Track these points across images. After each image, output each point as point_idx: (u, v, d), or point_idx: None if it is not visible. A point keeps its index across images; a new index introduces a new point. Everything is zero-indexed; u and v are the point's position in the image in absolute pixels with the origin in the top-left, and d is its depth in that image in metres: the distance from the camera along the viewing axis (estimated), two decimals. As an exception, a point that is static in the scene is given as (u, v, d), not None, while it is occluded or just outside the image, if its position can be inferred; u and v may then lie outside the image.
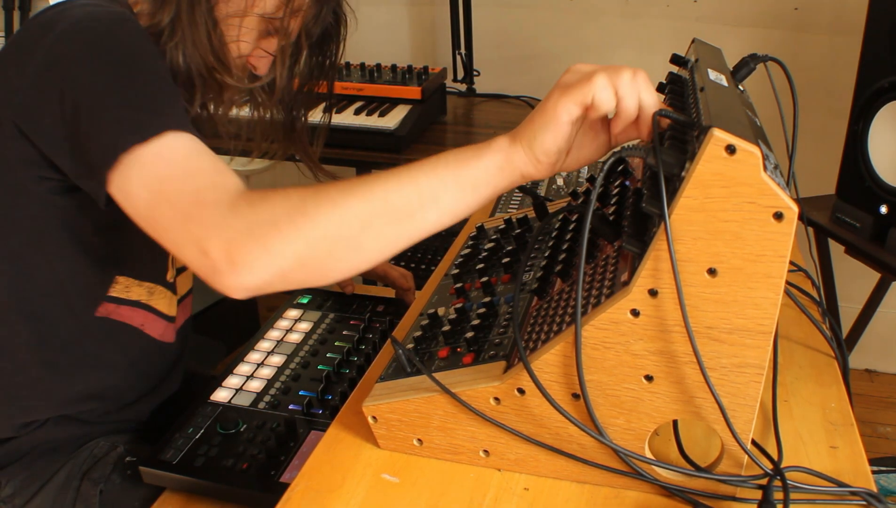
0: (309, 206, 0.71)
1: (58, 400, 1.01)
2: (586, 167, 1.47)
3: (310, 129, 1.20)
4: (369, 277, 1.44)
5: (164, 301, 1.06)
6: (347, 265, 0.73)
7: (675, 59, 0.88)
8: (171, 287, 1.07)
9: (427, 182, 0.73)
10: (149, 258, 1.02)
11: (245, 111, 1.14)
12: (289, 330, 1.21)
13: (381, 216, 0.72)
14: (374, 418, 0.78)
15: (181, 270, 1.10)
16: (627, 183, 0.87)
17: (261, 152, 1.18)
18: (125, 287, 1.01)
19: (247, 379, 1.10)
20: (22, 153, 0.87)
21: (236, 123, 1.12)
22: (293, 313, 1.26)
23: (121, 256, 0.99)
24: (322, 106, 1.22)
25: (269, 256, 0.70)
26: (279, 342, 1.18)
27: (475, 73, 2.25)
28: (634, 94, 0.71)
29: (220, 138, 1.10)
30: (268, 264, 0.70)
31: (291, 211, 0.71)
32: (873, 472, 0.77)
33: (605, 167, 0.70)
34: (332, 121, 1.83)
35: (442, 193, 0.73)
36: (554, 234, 0.91)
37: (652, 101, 0.72)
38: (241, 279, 0.70)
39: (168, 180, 0.75)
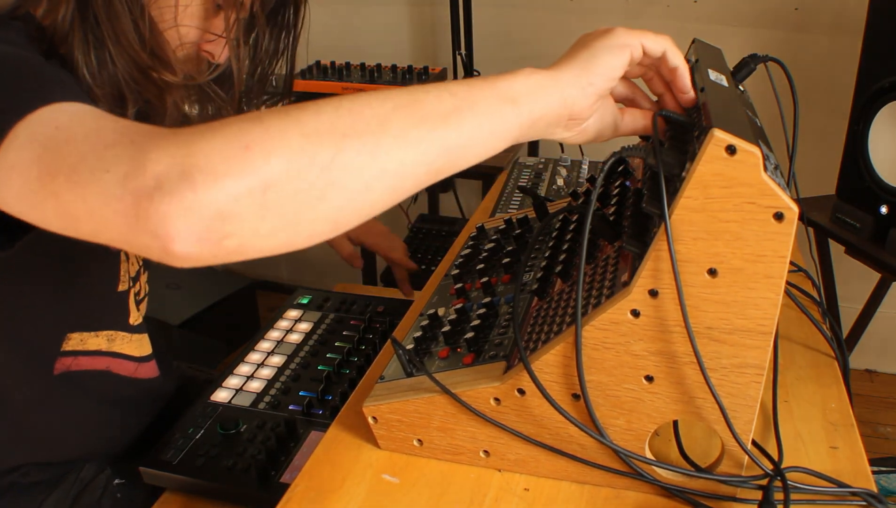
0: (308, 106, 0.51)
1: (27, 451, 0.96)
2: (586, 167, 1.47)
3: None
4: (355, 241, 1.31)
5: (130, 345, 0.99)
6: (357, 184, 0.51)
7: (676, 60, 0.87)
8: (137, 329, 0.99)
9: (461, 89, 0.58)
10: (101, 308, 0.92)
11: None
12: (289, 330, 1.21)
13: (405, 112, 0.53)
14: (374, 418, 0.78)
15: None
16: (627, 183, 0.87)
17: None
18: (80, 341, 0.92)
19: (247, 379, 1.10)
20: None
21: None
22: (293, 313, 1.26)
23: (66, 313, 0.89)
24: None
25: (249, 153, 0.47)
26: (279, 342, 1.18)
27: (475, 73, 2.25)
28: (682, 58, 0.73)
29: None
30: (245, 167, 0.47)
31: (283, 111, 0.51)
32: (873, 472, 0.77)
33: (606, 167, 0.70)
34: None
35: (479, 99, 0.59)
36: (554, 234, 0.91)
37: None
38: (197, 198, 0.46)
39: (65, 129, 0.54)
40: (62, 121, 0.54)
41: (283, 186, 0.47)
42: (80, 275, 0.79)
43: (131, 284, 0.96)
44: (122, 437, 1.05)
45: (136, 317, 1.00)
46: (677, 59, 0.72)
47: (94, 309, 0.86)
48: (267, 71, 0.93)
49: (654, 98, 0.79)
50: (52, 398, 0.94)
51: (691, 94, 0.73)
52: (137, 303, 1.00)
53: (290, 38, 0.93)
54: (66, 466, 0.99)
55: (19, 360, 0.89)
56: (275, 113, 0.50)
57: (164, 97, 0.79)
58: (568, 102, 0.66)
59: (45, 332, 0.90)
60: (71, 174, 0.50)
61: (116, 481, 1.00)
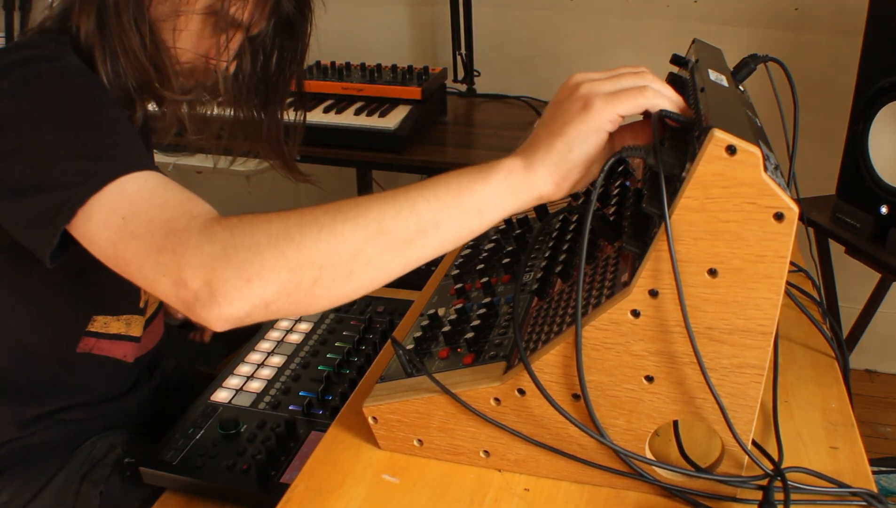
0: (293, 230, 0.65)
1: (34, 419, 1.00)
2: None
3: (285, 128, 1.08)
4: None
5: (138, 326, 1.07)
6: (336, 295, 0.67)
7: (676, 60, 0.87)
8: (143, 311, 1.06)
9: (427, 207, 0.66)
10: (123, 293, 1.01)
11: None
12: (289, 331, 1.21)
13: (374, 243, 0.66)
14: (374, 418, 0.78)
15: None
16: (627, 183, 0.87)
17: (240, 152, 1.11)
18: (103, 324, 1.01)
19: (247, 380, 1.10)
20: None
21: (203, 120, 1.03)
22: (293, 313, 1.26)
23: (94, 297, 0.98)
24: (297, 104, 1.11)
25: (249, 282, 0.64)
26: (279, 342, 1.18)
27: (475, 73, 2.25)
28: (668, 88, 0.71)
29: (186, 139, 1.02)
30: (249, 293, 0.64)
31: (274, 235, 0.65)
32: (873, 472, 0.77)
33: (606, 167, 0.70)
34: (333, 121, 1.85)
35: (443, 219, 0.67)
36: (554, 234, 0.91)
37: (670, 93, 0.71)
38: (221, 310, 0.65)
39: (132, 217, 0.69)
40: (126, 211, 0.70)
41: (279, 302, 0.66)
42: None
43: None
44: (126, 401, 1.09)
45: (144, 299, 1.06)
46: (660, 102, 0.69)
47: (116, 294, 0.97)
48: (269, 84, 1.03)
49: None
50: (70, 373, 1.01)
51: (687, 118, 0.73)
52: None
53: (296, 57, 1.02)
54: (76, 426, 1.03)
55: (48, 329, 0.97)
56: (271, 242, 0.65)
57: (162, 104, 0.90)
58: (543, 196, 0.69)
59: (72, 310, 0.97)
60: (140, 269, 0.69)
61: (127, 460, 1.02)
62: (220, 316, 0.65)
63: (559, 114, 0.69)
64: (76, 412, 1.03)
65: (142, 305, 1.05)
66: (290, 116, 1.09)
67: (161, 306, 1.13)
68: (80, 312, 0.98)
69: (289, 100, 1.08)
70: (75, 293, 0.96)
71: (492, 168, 0.68)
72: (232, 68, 0.92)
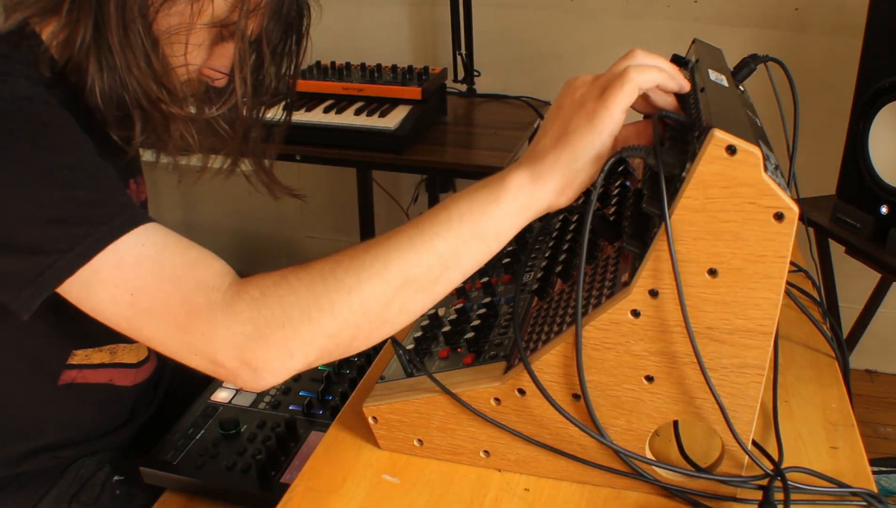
0: (322, 299, 0.66)
1: (24, 457, 0.96)
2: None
3: (264, 131, 0.99)
4: None
5: (130, 353, 0.99)
6: (374, 341, 0.70)
7: (676, 60, 0.87)
8: (130, 339, 0.97)
9: (445, 245, 0.67)
10: (103, 326, 0.91)
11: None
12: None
13: (403, 292, 0.67)
14: (374, 418, 0.78)
15: None
16: (628, 183, 0.87)
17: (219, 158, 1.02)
18: (85, 356, 0.93)
19: (247, 380, 1.09)
20: None
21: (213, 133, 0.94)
22: (293, 313, 1.26)
23: (72, 332, 0.90)
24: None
25: (292, 357, 0.67)
26: (279, 342, 1.18)
27: (475, 73, 2.25)
28: (659, 58, 0.70)
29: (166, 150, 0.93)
30: (291, 364, 0.67)
31: (304, 307, 0.66)
32: (874, 472, 0.77)
33: (606, 167, 0.70)
34: (333, 121, 1.85)
35: (464, 251, 0.68)
36: (554, 234, 0.91)
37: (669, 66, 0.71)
38: (265, 381, 0.67)
39: (142, 293, 0.67)
40: (133, 285, 0.67)
41: (321, 360, 0.69)
42: None
43: None
44: (123, 434, 1.05)
45: None
46: (663, 65, 0.70)
47: (95, 327, 0.85)
48: (267, 95, 0.95)
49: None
50: (53, 407, 0.95)
51: (687, 86, 0.72)
52: None
53: (292, 67, 0.95)
54: (66, 461, 0.99)
55: (25, 368, 0.91)
56: (304, 316, 0.66)
57: (168, 126, 0.83)
58: (552, 206, 0.70)
59: (51, 348, 0.91)
60: (165, 347, 0.68)
61: (116, 478, 1.00)
62: (266, 385, 0.68)
63: (563, 122, 0.69)
64: (70, 449, 0.98)
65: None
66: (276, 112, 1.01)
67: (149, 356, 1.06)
68: (58, 349, 0.91)
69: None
70: (52, 332, 0.88)
71: (501, 187, 0.68)
72: (246, 80, 0.86)
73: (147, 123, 0.81)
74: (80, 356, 0.93)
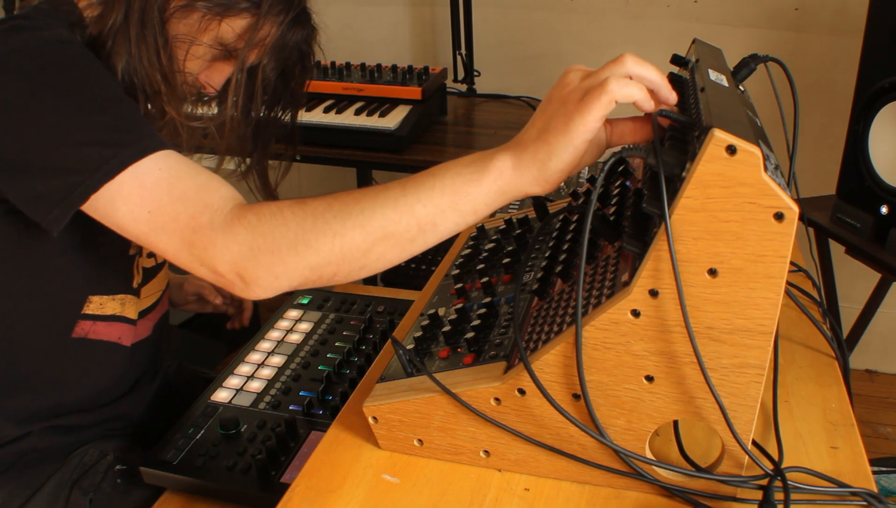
0: (309, 236, 0.74)
1: (31, 416, 0.99)
2: (587, 167, 1.47)
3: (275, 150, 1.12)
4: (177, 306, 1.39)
5: (132, 307, 1.04)
6: (353, 277, 0.77)
7: (676, 60, 0.88)
8: (136, 292, 1.04)
9: (424, 212, 0.73)
10: (118, 272, 1.00)
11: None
12: (289, 331, 1.21)
13: (381, 245, 0.74)
14: (374, 418, 0.78)
15: (148, 274, 1.06)
16: (628, 183, 0.87)
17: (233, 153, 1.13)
18: (99, 305, 0.99)
19: (247, 380, 1.10)
20: None
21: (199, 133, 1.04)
22: (293, 313, 1.26)
23: (91, 275, 0.96)
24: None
25: (277, 279, 0.75)
26: (279, 342, 1.18)
27: (475, 73, 2.25)
28: (648, 68, 0.71)
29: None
30: (277, 285, 0.76)
31: (292, 240, 0.74)
32: (874, 472, 0.77)
33: (606, 168, 0.70)
34: (333, 121, 1.85)
35: (440, 219, 0.73)
36: (554, 234, 0.91)
37: (658, 77, 0.72)
38: (256, 294, 0.76)
39: (158, 212, 0.77)
40: (151, 204, 0.76)
41: (305, 286, 0.77)
42: (100, 235, 0.85)
43: (139, 250, 1.02)
44: (125, 407, 1.07)
45: (137, 280, 1.04)
46: (651, 76, 0.71)
47: (111, 271, 0.97)
48: (270, 118, 1.07)
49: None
50: (65, 361, 0.99)
51: (673, 98, 0.73)
52: (138, 267, 1.04)
53: (291, 100, 1.07)
54: (72, 434, 1.02)
55: (44, 312, 0.96)
56: (291, 247, 0.74)
57: (164, 117, 0.92)
58: (529, 194, 0.73)
59: (68, 290, 0.96)
60: (176, 258, 0.78)
61: (118, 467, 1.01)
62: (257, 297, 0.77)
63: (547, 117, 0.71)
64: (72, 417, 1.01)
65: (135, 285, 1.03)
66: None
67: (160, 300, 1.11)
68: (75, 292, 0.97)
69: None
70: (71, 272, 0.95)
71: (485, 169, 0.72)
72: (237, 103, 0.97)
73: (146, 105, 0.90)
74: (94, 305, 0.98)
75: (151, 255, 1.05)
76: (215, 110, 1.03)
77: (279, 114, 1.08)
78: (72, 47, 0.83)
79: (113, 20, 0.86)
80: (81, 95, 0.79)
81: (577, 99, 0.69)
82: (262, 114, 1.06)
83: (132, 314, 1.04)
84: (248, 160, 1.12)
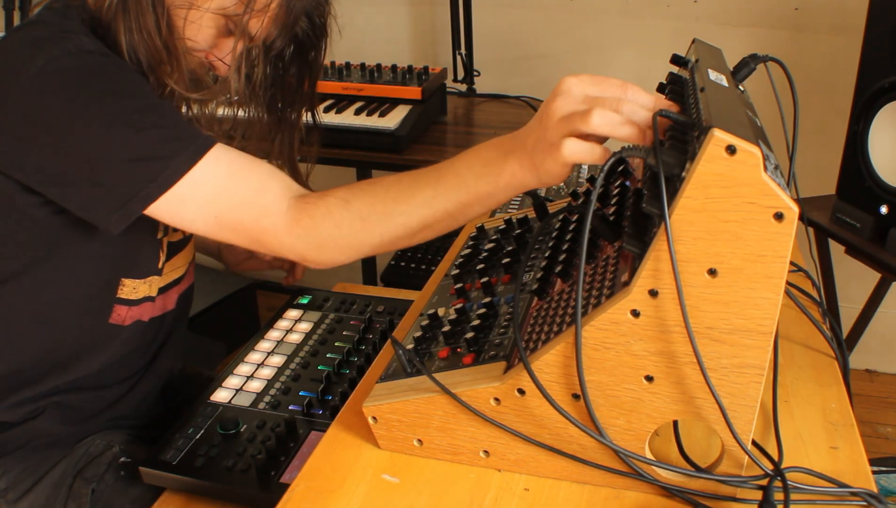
0: (361, 235, 0.87)
1: (55, 387, 1.01)
2: (586, 168, 1.47)
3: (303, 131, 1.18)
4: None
5: (155, 286, 1.06)
6: (399, 247, 0.90)
7: (676, 60, 0.88)
8: (160, 271, 1.06)
9: (454, 207, 0.83)
10: (148, 254, 1.03)
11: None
12: (289, 330, 1.21)
13: (420, 234, 0.87)
14: (374, 418, 0.78)
15: (172, 249, 1.08)
16: (628, 183, 0.87)
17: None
18: (132, 289, 1.02)
19: (247, 380, 1.10)
20: (9, 186, 0.88)
21: (212, 120, 1.07)
22: (293, 313, 1.26)
23: (124, 260, 0.99)
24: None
25: (334, 261, 0.90)
26: (279, 342, 1.18)
27: (475, 73, 2.25)
28: (636, 105, 0.71)
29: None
30: (338, 260, 0.90)
31: (346, 241, 0.87)
32: (873, 472, 0.77)
33: (606, 168, 0.70)
34: (333, 121, 1.85)
35: (469, 210, 0.84)
36: (554, 234, 0.91)
37: (651, 104, 0.72)
38: (323, 264, 0.90)
39: (220, 216, 0.86)
40: (216, 209, 0.86)
41: (361, 255, 0.91)
42: (133, 223, 0.87)
43: (164, 232, 1.04)
44: (136, 399, 1.09)
45: (162, 259, 1.06)
46: (604, 129, 0.72)
47: (141, 255, 1.02)
48: (291, 97, 1.12)
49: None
50: (100, 341, 1.02)
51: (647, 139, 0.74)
52: (164, 246, 1.06)
53: (309, 76, 1.11)
54: (82, 419, 1.03)
55: (82, 297, 0.99)
56: (346, 238, 0.87)
57: (170, 94, 0.92)
58: (536, 187, 0.79)
59: (101, 273, 0.99)
60: (246, 249, 0.92)
61: (122, 459, 1.02)
62: (319, 266, 0.91)
63: (540, 133, 0.75)
64: (79, 394, 1.03)
65: (160, 265, 1.05)
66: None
67: (185, 274, 1.12)
68: (110, 276, 0.99)
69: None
70: (106, 257, 0.97)
71: (500, 171, 0.79)
72: (225, 70, 0.95)
73: (157, 85, 0.91)
74: (128, 288, 1.02)
75: (177, 230, 1.07)
76: (240, 114, 1.06)
77: (297, 100, 1.13)
78: (97, 56, 0.85)
79: (104, 1, 0.87)
80: (121, 104, 0.83)
81: (554, 139, 0.73)
82: (286, 88, 1.10)
83: (153, 292, 1.06)
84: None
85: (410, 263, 2.08)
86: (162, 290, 1.07)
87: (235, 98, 1.02)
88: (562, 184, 1.41)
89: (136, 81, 0.86)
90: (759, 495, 0.70)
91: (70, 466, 1.01)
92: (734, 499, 0.72)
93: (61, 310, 0.98)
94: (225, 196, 0.86)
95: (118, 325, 1.02)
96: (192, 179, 0.83)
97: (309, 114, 1.19)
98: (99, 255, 0.96)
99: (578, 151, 0.72)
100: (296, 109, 1.15)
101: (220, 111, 1.06)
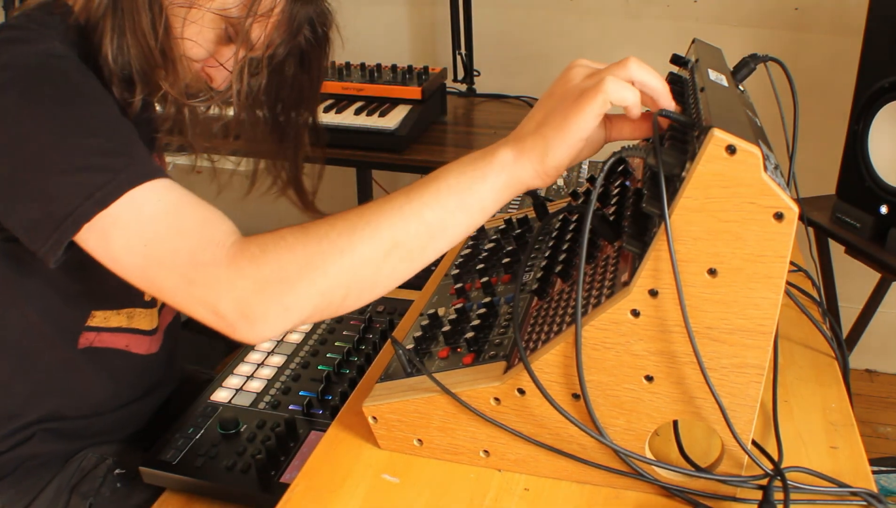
0: (316, 258, 0.70)
1: (39, 416, 0.98)
2: (586, 167, 1.47)
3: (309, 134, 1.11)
4: None
5: (145, 320, 1.02)
6: (364, 300, 0.74)
7: (676, 60, 0.88)
8: (150, 304, 1.02)
9: (433, 215, 0.71)
10: (122, 288, 0.95)
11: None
12: (288, 330, 1.21)
13: (391, 256, 0.71)
14: (374, 418, 0.78)
15: None
16: (627, 183, 0.87)
17: (244, 154, 1.11)
18: (103, 318, 0.97)
19: (247, 379, 1.10)
20: None
21: (206, 124, 1.00)
22: (293, 313, 1.26)
23: (93, 292, 0.94)
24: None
25: (287, 311, 0.71)
26: (279, 342, 1.18)
27: (475, 73, 2.25)
28: (651, 74, 0.71)
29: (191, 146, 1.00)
30: (285, 318, 0.71)
31: (300, 265, 0.70)
32: (873, 472, 0.77)
33: (606, 167, 0.70)
34: (333, 121, 1.85)
35: (450, 221, 0.72)
36: (554, 234, 0.91)
37: (661, 84, 0.72)
38: (259, 333, 0.71)
39: (154, 242, 0.72)
40: (148, 235, 0.72)
41: (313, 317, 0.74)
42: None
43: None
44: (131, 420, 1.07)
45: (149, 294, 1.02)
46: (654, 82, 0.71)
47: (116, 287, 0.92)
48: (286, 117, 1.06)
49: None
50: (72, 370, 0.98)
51: (673, 108, 0.73)
52: None
53: (311, 86, 1.05)
54: (72, 440, 1.01)
55: (47, 327, 0.94)
56: (300, 273, 0.70)
57: (164, 104, 0.89)
58: (531, 187, 0.73)
59: (71, 306, 0.94)
60: (173, 297, 0.73)
61: (117, 471, 1.01)
62: (260, 336, 0.72)
63: (546, 111, 0.72)
64: (78, 422, 1.00)
65: (147, 298, 1.01)
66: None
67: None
68: (78, 308, 0.95)
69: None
70: (74, 290, 0.93)
71: (488, 164, 0.72)
72: (222, 79, 0.92)
73: (144, 90, 0.86)
74: (98, 318, 0.96)
75: None
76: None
77: (299, 106, 1.07)
78: (66, 61, 0.79)
79: (94, 2, 0.82)
80: (75, 114, 0.76)
81: (575, 98, 0.69)
82: (278, 107, 1.05)
83: (146, 325, 1.02)
84: (283, 175, 1.11)
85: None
86: (153, 332, 1.04)
87: (234, 101, 0.94)
88: (562, 184, 1.41)
89: (98, 92, 0.80)
90: (759, 495, 0.70)
91: (64, 482, 0.99)
92: (734, 499, 0.72)
93: (28, 339, 0.94)
94: (164, 220, 0.73)
95: (88, 349, 0.97)
96: (132, 199, 0.72)
97: (311, 119, 1.13)
98: (65, 288, 0.92)
99: (620, 88, 0.67)
100: (301, 116, 1.09)
101: (213, 110, 1.01)
